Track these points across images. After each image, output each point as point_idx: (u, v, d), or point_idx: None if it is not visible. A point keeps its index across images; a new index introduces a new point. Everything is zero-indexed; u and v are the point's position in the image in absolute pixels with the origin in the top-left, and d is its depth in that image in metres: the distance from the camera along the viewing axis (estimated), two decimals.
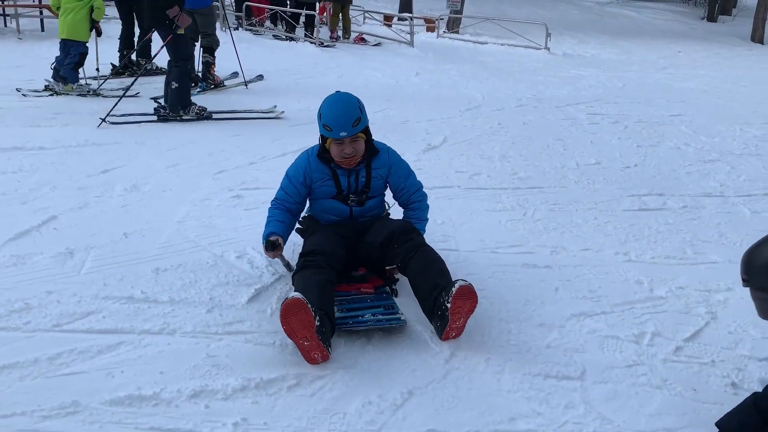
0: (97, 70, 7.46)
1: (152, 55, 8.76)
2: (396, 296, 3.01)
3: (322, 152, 3.10)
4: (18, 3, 12.12)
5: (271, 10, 13.87)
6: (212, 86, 7.93)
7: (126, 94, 6.55)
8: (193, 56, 6.35)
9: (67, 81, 7.17)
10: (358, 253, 3.07)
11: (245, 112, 6.79)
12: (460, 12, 16.06)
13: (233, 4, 14.83)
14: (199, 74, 7.97)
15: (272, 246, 2.97)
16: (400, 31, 14.21)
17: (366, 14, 16.04)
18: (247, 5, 13.78)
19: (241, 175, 4.76)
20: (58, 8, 7.36)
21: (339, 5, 13.20)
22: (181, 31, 6.15)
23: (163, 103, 6.49)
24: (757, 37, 17.74)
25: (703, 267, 3.58)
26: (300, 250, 3.07)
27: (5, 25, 12.18)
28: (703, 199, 4.70)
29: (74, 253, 3.33)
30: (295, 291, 2.76)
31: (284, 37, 13.06)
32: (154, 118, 6.32)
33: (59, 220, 3.78)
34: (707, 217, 4.35)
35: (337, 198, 3.15)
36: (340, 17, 13.35)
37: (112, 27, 9.13)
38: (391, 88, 8.70)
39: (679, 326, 2.92)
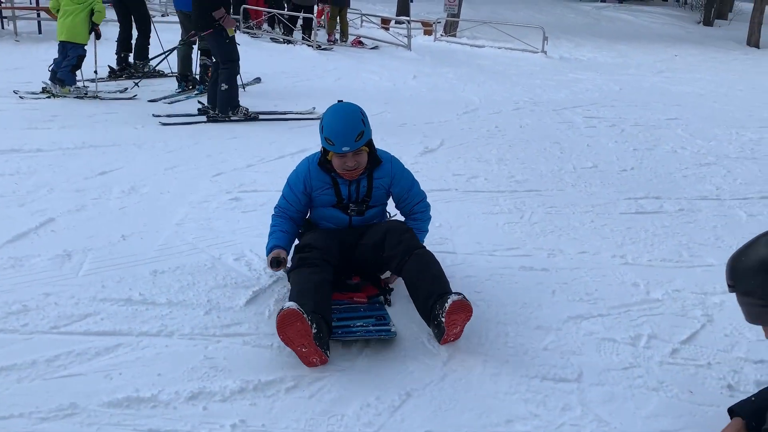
0: (95, 72, 7.47)
1: (149, 58, 8.79)
2: (390, 305, 2.98)
3: (323, 161, 3.03)
4: (15, 5, 12.11)
5: (269, 13, 13.88)
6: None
7: (126, 97, 6.57)
8: (238, 58, 6.52)
9: (64, 83, 7.17)
10: (353, 255, 3.04)
11: (286, 113, 6.90)
12: (458, 15, 16.08)
13: (231, 7, 14.82)
14: (197, 77, 7.99)
15: (276, 263, 2.96)
16: (397, 35, 14.23)
17: (363, 17, 16.06)
18: (244, 8, 13.79)
19: (239, 177, 4.77)
20: (58, 11, 7.37)
21: (337, 8, 13.22)
22: (231, 33, 6.25)
23: (206, 104, 6.56)
24: (752, 41, 17.78)
25: (699, 270, 3.59)
26: None
27: (2, 28, 12.17)
28: (700, 203, 4.71)
29: (72, 255, 3.33)
30: (291, 292, 2.77)
31: (282, 40, 13.06)
32: (204, 119, 6.40)
33: (57, 222, 3.78)
34: (703, 220, 4.36)
35: (337, 207, 3.09)
36: (338, 20, 13.37)
37: (110, 29, 9.13)
38: (388, 91, 8.71)
39: (675, 329, 2.93)
